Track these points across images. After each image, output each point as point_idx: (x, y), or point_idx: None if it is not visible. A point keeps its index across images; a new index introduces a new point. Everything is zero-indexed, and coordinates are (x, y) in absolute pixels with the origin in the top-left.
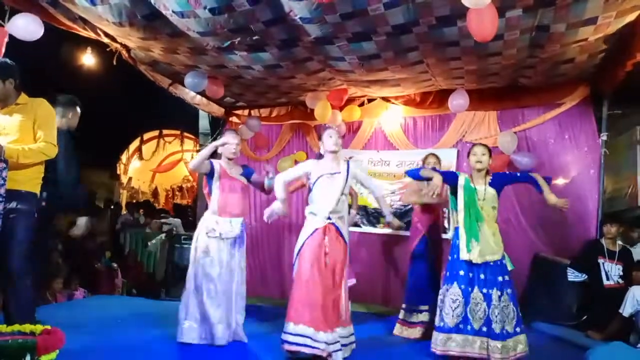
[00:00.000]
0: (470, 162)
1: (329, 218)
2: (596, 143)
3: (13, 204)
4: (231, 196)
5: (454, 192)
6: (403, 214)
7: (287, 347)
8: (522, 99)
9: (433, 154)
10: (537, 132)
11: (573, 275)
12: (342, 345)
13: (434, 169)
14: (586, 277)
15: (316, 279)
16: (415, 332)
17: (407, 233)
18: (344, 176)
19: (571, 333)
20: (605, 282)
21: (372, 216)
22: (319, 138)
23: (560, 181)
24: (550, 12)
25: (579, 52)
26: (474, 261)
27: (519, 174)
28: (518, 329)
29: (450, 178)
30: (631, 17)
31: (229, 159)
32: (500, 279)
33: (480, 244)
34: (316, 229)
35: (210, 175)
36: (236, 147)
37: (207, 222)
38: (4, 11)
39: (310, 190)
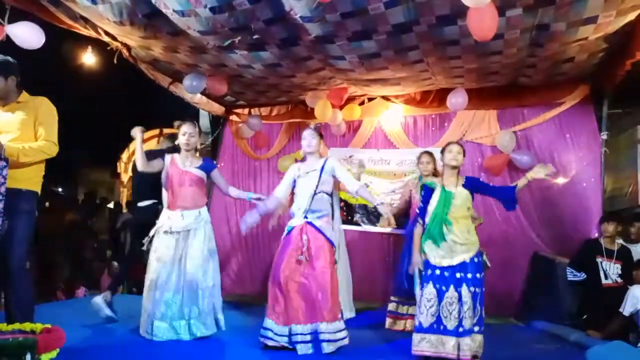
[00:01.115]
0: (445, 159)
1: (305, 217)
2: (596, 142)
3: (13, 203)
4: (182, 189)
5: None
6: (404, 214)
7: (260, 339)
8: (522, 98)
9: (427, 152)
10: (538, 131)
11: (572, 275)
12: (327, 340)
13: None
14: (585, 276)
15: (284, 276)
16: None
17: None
18: (318, 173)
19: (571, 332)
20: (604, 281)
21: (372, 215)
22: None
23: (560, 180)
24: (550, 11)
25: (579, 51)
26: (444, 264)
27: (494, 187)
28: (476, 328)
29: (427, 199)
30: (631, 16)
31: (186, 151)
32: (469, 275)
33: (444, 246)
34: (293, 227)
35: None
36: (188, 138)
37: (161, 217)
38: (4, 10)
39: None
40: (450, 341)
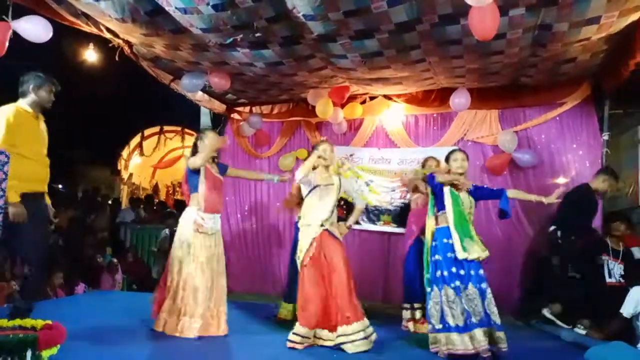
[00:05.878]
0: (452, 167)
1: (322, 225)
2: (598, 142)
3: (40, 206)
4: (216, 193)
5: (435, 193)
6: (402, 212)
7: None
8: (523, 98)
9: (432, 157)
10: (539, 131)
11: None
12: (357, 339)
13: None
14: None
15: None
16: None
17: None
18: (337, 188)
19: (571, 332)
20: (608, 280)
21: (372, 214)
22: (313, 148)
23: (561, 180)
24: (553, 11)
25: (581, 51)
26: (469, 259)
27: (494, 189)
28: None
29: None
30: (634, 17)
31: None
32: (481, 272)
33: (473, 242)
34: (313, 239)
35: (195, 172)
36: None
37: (192, 218)
38: (7, 7)
39: (301, 198)
40: (480, 333)
